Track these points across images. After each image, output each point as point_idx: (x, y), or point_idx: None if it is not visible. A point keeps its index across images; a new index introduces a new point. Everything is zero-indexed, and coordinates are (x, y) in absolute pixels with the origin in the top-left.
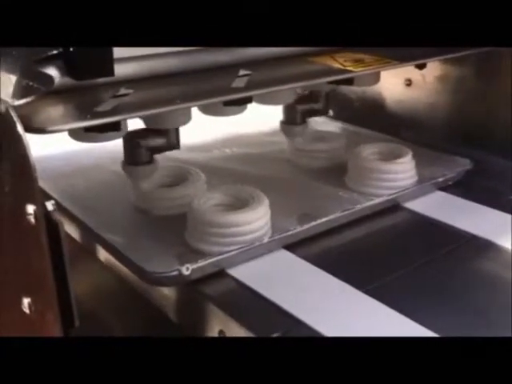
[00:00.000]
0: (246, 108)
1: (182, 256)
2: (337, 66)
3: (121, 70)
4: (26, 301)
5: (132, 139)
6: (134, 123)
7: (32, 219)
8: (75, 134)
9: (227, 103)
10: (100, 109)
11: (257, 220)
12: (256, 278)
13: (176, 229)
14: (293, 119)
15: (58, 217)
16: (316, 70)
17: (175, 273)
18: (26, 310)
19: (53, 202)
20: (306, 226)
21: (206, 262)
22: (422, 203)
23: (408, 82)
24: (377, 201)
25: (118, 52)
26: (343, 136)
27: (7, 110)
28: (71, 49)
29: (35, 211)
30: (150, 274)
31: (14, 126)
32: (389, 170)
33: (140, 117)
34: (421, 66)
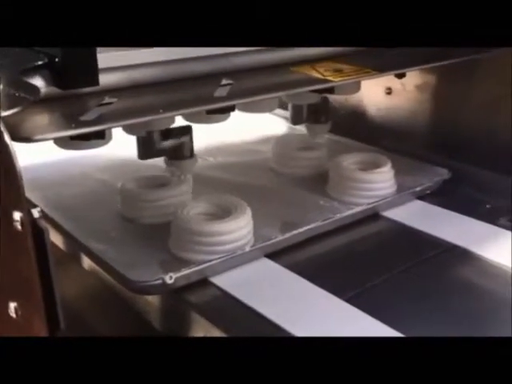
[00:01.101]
0: (229, 116)
1: (166, 264)
2: (317, 75)
3: (105, 79)
4: (12, 305)
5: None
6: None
7: (19, 226)
8: (61, 142)
9: (210, 111)
10: (85, 118)
11: (239, 229)
12: (238, 287)
13: (160, 237)
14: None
15: (44, 223)
16: (296, 79)
17: (159, 281)
18: (13, 315)
19: (39, 209)
20: (287, 235)
21: (189, 270)
22: (400, 212)
23: (388, 91)
24: (356, 210)
25: (103, 62)
26: (325, 146)
27: None
28: (57, 59)
29: (22, 218)
30: (133, 282)
31: (1, 136)
32: (368, 180)
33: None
34: (400, 76)
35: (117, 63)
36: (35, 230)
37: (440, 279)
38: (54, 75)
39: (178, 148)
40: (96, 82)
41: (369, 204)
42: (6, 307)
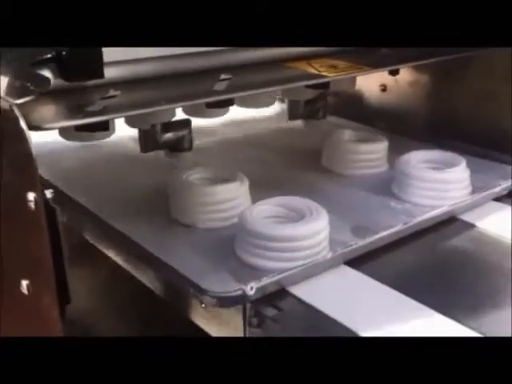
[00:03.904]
0: (228, 110)
1: (238, 273)
2: (312, 71)
3: (110, 73)
4: (24, 283)
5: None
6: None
7: (32, 206)
8: (66, 134)
9: (210, 105)
10: (91, 109)
11: (317, 234)
12: (321, 296)
13: (223, 243)
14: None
15: (55, 204)
16: (293, 74)
17: (239, 292)
18: (25, 292)
19: (51, 190)
20: (368, 240)
21: (270, 280)
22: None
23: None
24: (435, 212)
25: (108, 56)
26: (384, 140)
27: (11, 108)
28: (64, 52)
29: (35, 198)
30: (209, 293)
31: (18, 122)
32: (442, 180)
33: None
34: (393, 73)
35: (121, 57)
36: (48, 210)
37: None
38: (61, 68)
39: (179, 141)
40: (101, 75)
41: (449, 206)
42: (18, 285)
